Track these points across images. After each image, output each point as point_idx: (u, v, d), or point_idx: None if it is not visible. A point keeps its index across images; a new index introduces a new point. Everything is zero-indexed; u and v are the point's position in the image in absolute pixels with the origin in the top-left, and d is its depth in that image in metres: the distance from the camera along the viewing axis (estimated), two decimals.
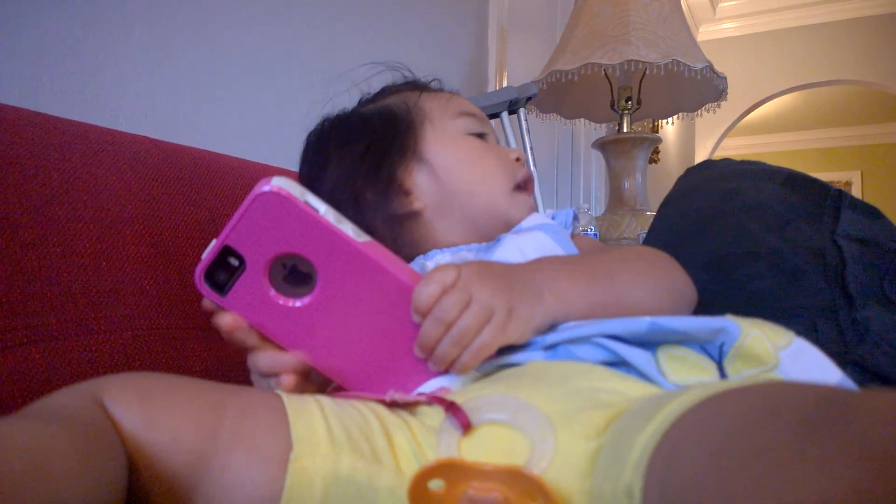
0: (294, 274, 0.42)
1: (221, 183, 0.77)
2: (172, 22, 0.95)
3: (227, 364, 0.69)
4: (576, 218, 0.65)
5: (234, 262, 0.42)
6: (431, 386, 0.44)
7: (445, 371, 0.43)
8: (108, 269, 0.61)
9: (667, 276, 0.54)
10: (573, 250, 0.58)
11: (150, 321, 0.62)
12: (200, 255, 0.43)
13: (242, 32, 1.08)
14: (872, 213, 0.65)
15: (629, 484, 0.28)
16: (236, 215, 0.41)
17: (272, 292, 0.43)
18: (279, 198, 0.40)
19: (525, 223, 0.62)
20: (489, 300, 0.42)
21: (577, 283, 0.47)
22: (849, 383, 0.38)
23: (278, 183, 0.40)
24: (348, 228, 0.41)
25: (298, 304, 0.43)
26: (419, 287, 0.42)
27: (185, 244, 0.68)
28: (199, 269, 0.43)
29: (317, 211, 0.41)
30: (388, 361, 0.44)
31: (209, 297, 0.43)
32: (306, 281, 0.42)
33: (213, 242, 0.42)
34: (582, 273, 0.49)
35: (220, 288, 0.43)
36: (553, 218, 0.64)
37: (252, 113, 1.10)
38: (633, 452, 0.29)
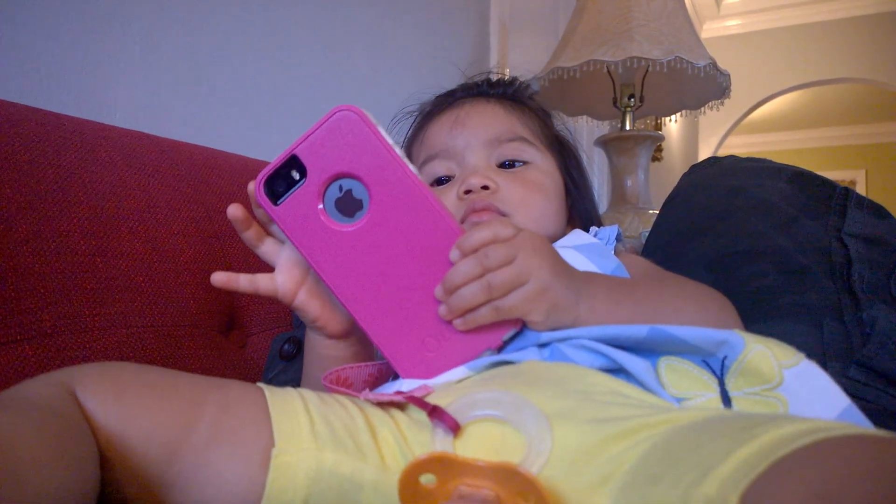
0: (346, 200, 0.44)
1: (218, 179, 0.77)
2: (169, 18, 0.94)
3: (222, 361, 0.68)
4: (619, 239, 0.64)
5: (295, 175, 0.44)
6: (416, 383, 0.43)
7: (448, 323, 0.43)
8: (103, 265, 0.60)
9: (717, 321, 0.49)
10: (612, 269, 0.56)
11: (144, 318, 0.62)
12: (196, 252, 0.42)
13: (240, 28, 1.07)
14: (879, 211, 0.64)
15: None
16: (312, 128, 0.43)
17: (321, 209, 0.44)
18: (360, 118, 0.42)
19: (564, 241, 0.60)
20: (532, 269, 0.42)
21: (614, 312, 0.46)
22: (855, 411, 0.36)
23: (358, 108, 0.42)
24: (411, 166, 0.43)
25: (343, 228, 0.44)
26: (473, 229, 0.42)
27: (180, 240, 0.68)
28: (262, 175, 0.44)
29: (388, 140, 0.42)
30: (410, 309, 0.44)
31: (263, 205, 0.44)
32: (356, 210, 0.44)
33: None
34: (626, 306, 0.47)
35: (276, 198, 0.44)
36: (595, 236, 0.63)
37: (249, 109, 1.09)
38: (718, 470, 0.24)
